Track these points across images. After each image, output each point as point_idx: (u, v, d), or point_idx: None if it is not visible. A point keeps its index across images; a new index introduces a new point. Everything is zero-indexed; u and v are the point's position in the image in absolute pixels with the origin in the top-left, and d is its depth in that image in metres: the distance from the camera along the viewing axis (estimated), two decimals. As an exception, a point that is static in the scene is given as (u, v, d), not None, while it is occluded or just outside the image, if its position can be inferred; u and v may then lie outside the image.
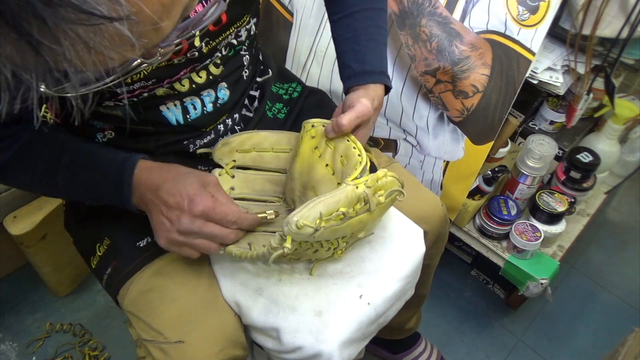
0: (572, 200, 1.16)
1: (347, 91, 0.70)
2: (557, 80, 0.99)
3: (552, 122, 1.23)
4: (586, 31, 0.95)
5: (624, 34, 0.92)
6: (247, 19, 0.66)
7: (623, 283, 1.40)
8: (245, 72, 0.71)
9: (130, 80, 0.56)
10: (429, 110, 1.03)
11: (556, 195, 1.12)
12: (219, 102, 0.68)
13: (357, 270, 0.67)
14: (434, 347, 1.16)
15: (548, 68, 1.00)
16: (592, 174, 1.16)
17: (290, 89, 0.83)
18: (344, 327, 0.62)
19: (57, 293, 1.27)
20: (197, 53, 0.60)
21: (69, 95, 0.33)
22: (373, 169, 0.68)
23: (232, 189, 0.70)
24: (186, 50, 0.59)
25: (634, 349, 0.78)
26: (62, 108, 0.66)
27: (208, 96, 0.66)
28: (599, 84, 1.08)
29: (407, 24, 0.96)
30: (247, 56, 0.70)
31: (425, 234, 0.76)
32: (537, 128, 1.26)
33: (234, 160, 0.70)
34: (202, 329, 0.61)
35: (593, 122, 1.31)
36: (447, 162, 1.07)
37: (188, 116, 0.66)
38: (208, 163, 0.71)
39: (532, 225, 1.09)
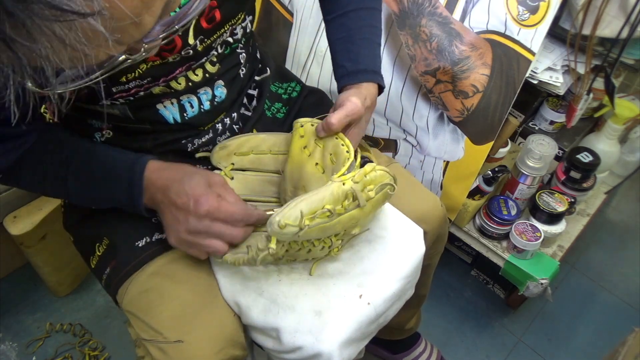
0: (572, 200, 1.16)
1: (340, 90, 0.70)
2: (557, 80, 0.99)
3: (552, 122, 1.23)
4: (586, 31, 0.95)
5: (624, 34, 0.92)
6: (242, 16, 0.66)
7: (623, 283, 1.40)
8: (242, 70, 0.71)
9: (125, 79, 0.57)
10: (429, 110, 1.03)
11: (556, 195, 1.12)
12: (216, 100, 0.68)
13: (357, 270, 0.67)
14: (433, 347, 1.16)
15: (548, 68, 1.00)
16: (592, 174, 1.16)
17: (289, 88, 0.83)
18: (343, 327, 0.62)
19: (57, 293, 1.27)
20: (191, 51, 0.60)
21: (46, 92, 0.33)
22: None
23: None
24: (180, 49, 0.59)
25: (634, 349, 0.78)
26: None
27: (205, 94, 0.66)
28: (599, 84, 1.08)
29: (407, 24, 0.96)
30: (244, 54, 0.70)
31: (425, 234, 0.76)
32: (537, 128, 1.26)
33: (233, 164, 0.70)
34: (201, 329, 0.61)
35: (593, 122, 1.31)
36: (447, 162, 1.07)
37: (185, 114, 0.65)
38: (207, 162, 0.72)
39: (532, 225, 1.09)
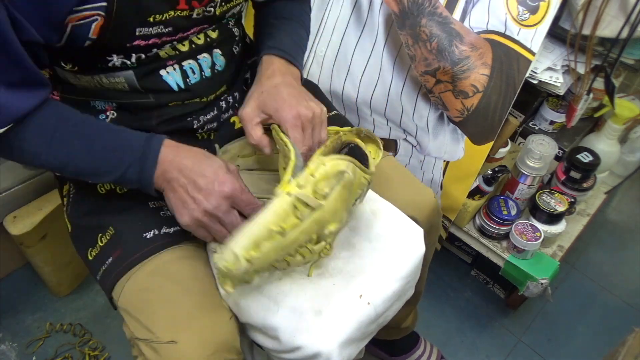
0: (572, 200, 1.16)
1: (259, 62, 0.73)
2: (557, 80, 1.00)
3: (552, 122, 1.23)
4: (586, 31, 0.95)
5: (624, 34, 0.92)
6: None
7: (623, 283, 1.40)
8: (236, 48, 0.75)
9: (152, 19, 0.58)
10: (429, 110, 1.03)
11: (556, 195, 1.12)
12: (216, 67, 0.71)
13: (357, 269, 0.67)
14: (433, 347, 1.16)
15: (548, 68, 1.00)
16: (592, 174, 1.16)
17: None
18: (343, 326, 0.62)
19: (57, 293, 1.27)
20: (212, 10, 0.63)
21: None
22: (360, 152, 0.65)
23: None
24: (207, 2, 0.61)
25: (634, 349, 0.78)
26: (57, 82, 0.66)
27: (205, 60, 0.69)
28: (599, 84, 1.08)
29: (407, 24, 0.96)
30: (236, 30, 0.75)
31: (417, 222, 0.75)
32: (537, 128, 1.26)
33: (238, 165, 0.70)
34: (195, 331, 0.61)
35: (593, 122, 1.31)
36: (447, 162, 1.07)
37: (188, 80, 0.68)
38: (211, 146, 0.73)
39: (532, 225, 1.09)
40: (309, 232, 0.57)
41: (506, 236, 1.13)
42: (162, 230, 0.68)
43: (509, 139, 1.18)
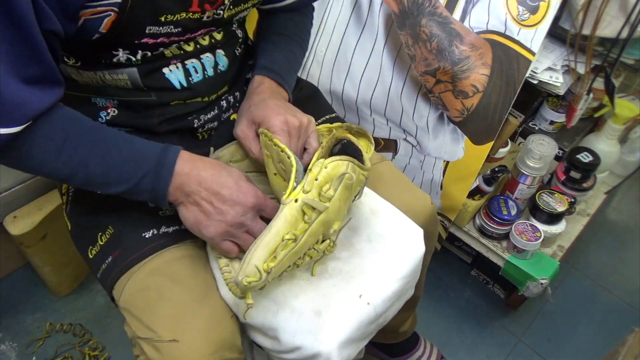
0: (572, 200, 1.16)
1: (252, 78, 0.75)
2: (557, 80, 1.00)
3: (552, 122, 1.23)
4: (586, 31, 0.95)
5: (624, 34, 0.92)
6: (260, 0, 0.71)
7: (623, 283, 1.40)
8: (238, 50, 0.75)
9: (164, 19, 0.58)
10: (429, 110, 1.03)
11: (556, 195, 1.12)
12: (219, 67, 0.71)
13: (356, 269, 0.67)
14: (433, 346, 1.16)
15: (548, 68, 1.00)
16: (592, 174, 1.16)
17: None
18: (343, 326, 0.62)
19: (57, 293, 1.27)
20: (222, 13, 0.64)
21: None
22: (353, 148, 0.66)
23: None
24: (219, 4, 0.62)
25: (634, 349, 0.78)
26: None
27: (208, 60, 0.69)
28: (599, 84, 1.08)
29: (407, 24, 0.96)
30: (239, 32, 0.75)
31: None
32: (537, 128, 1.26)
33: None
34: (197, 330, 0.61)
35: (593, 122, 1.31)
36: (447, 162, 1.07)
37: (190, 78, 0.68)
38: (210, 145, 0.74)
39: (532, 225, 1.09)
40: (316, 234, 0.59)
41: (506, 236, 1.13)
42: (161, 230, 0.68)
43: (509, 139, 1.18)
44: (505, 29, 0.91)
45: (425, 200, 0.82)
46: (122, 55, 0.61)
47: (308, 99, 0.88)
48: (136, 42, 0.60)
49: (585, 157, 1.13)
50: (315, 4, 0.90)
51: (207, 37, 0.68)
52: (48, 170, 0.56)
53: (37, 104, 0.52)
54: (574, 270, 1.42)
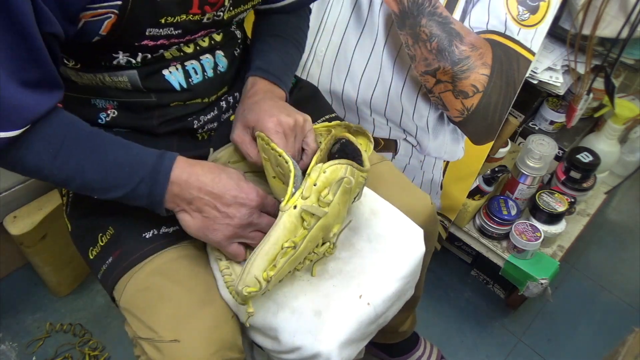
0: (572, 200, 1.16)
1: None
2: (557, 80, 1.00)
3: (552, 122, 1.23)
4: (586, 31, 0.95)
5: (624, 34, 0.92)
6: (259, 1, 0.71)
7: (623, 283, 1.40)
8: (237, 51, 0.75)
9: (164, 21, 0.58)
10: (429, 110, 1.03)
11: (556, 195, 1.12)
12: (219, 68, 0.71)
13: (356, 270, 0.67)
14: (433, 347, 1.16)
15: (548, 68, 1.00)
16: (592, 174, 1.16)
17: None
18: (343, 327, 0.62)
19: (57, 293, 1.27)
20: (222, 14, 0.64)
21: None
22: (352, 147, 0.66)
23: None
24: (219, 6, 0.62)
25: (634, 349, 0.78)
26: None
27: (207, 61, 0.70)
28: (599, 84, 1.08)
29: (407, 24, 0.96)
30: (238, 33, 0.76)
31: None
32: (537, 128, 1.26)
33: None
34: (197, 330, 0.61)
35: (593, 122, 1.31)
36: (447, 162, 1.07)
37: (190, 80, 0.68)
38: (209, 146, 0.73)
39: (532, 225, 1.09)
40: (316, 239, 0.59)
41: (506, 236, 1.13)
42: (161, 230, 0.68)
43: (509, 139, 1.18)
44: (505, 29, 0.91)
45: (425, 200, 0.82)
46: (122, 57, 0.61)
47: (308, 99, 0.88)
48: (136, 44, 0.60)
49: (585, 157, 1.13)
50: (315, 4, 0.91)
51: (206, 39, 0.68)
52: (44, 175, 0.55)
53: (36, 107, 0.51)
54: (574, 270, 1.42)
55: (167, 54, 0.64)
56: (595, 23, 0.93)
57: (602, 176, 1.32)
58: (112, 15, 0.54)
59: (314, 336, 0.61)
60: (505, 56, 0.92)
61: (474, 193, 1.11)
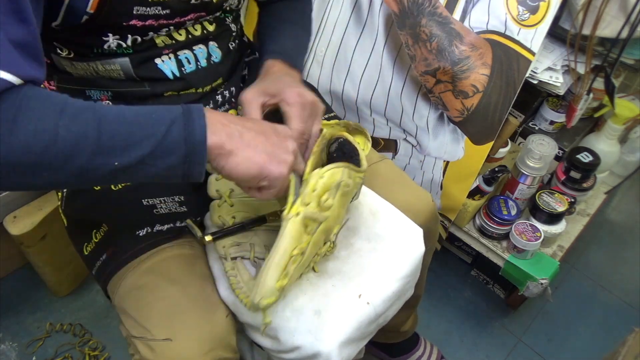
0: (572, 200, 1.16)
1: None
2: (557, 80, 1.00)
3: (552, 122, 1.23)
4: (586, 31, 0.95)
5: (624, 34, 0.92)
6: None
7: (623, 283, 1.40)
8: (232, 45, 0.75)
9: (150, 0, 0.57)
10: (429, 110, 1.03)
11: (556, 195, 1.12)
12: (212, 59, 0.71)
13: (356, 269, 0.67)
14: (433, 346, 1.16)
15: (548, 68, 1.00)
16: (592, 174, 1.16)
17: None
18: (343, 326, 0.62)
19: (57, 293, 1.27)
20: None
21: None
22: (350, 147, 0.65)
23: (234, 217, 0.68)
24: None
25: (634, 349, 0.78)
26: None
27: (200, 51, 0.70)
28: (599, 84, 1.08)
29: (407, 24, 0.96)
30: (233, 26, 0.75)
31: None
32: (537, 128, 1.26)
33: (232, 190, 0.69)
34: (191, 328, 0.61)
35: (593, 122, 1.31)
36: (447, 162, 1.07)
37: (183, 69, 0.68)
38: None
39: (532, 225, 1.09)
40: (319, 243, 0.60)
41: (506, 236, 1.13)
42: (155, 228, 0.68)
43: (509, 139, 1.18)
44: (505, 29, 0.91)
45: (426, 198, 0.82)
46: (112, 40, 0.60)
47: None
48: (124, 24, 0.59)
49: (585, 157, 1.13)
50: (315, 4, 0.91)
51: (198, 27, 0.68)
52: (45, 141, 0.42)
53: (26, 66, 0.44)
54: (574, 270, 1.42)
55: (158, 41, 0.64)
56: (595, 23, 0.93)
57: (602, 176, 1.32)
58: None
59: (314, 335, 0.61)
60: (505, 56, 0.92)
61: (474, 193, 1.11)
